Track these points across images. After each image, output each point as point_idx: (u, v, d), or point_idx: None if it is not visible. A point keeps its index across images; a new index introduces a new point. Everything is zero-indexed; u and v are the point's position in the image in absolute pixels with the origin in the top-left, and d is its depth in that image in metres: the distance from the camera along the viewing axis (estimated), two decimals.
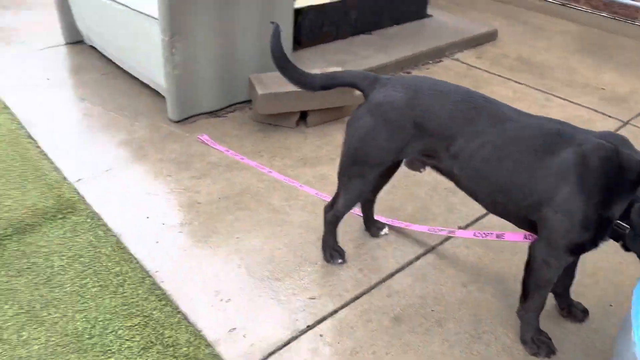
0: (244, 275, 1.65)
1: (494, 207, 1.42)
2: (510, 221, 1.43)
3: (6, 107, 2.39)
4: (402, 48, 3.10)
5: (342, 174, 1.56)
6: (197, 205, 1.92)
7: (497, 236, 1.65)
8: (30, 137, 2.20)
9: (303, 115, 2.41)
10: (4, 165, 2.03)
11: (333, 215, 1.65)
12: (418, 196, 2.06)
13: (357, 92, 1.53)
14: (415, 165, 1.55)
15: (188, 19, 2.16)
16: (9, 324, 1.47)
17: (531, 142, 1.30)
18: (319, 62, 2.81)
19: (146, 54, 2.37)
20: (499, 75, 3.07)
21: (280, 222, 1.87)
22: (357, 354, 1.43)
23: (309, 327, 1.49)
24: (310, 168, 2.16)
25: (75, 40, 2.99)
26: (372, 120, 1.43)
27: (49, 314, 1.49)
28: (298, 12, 2.84)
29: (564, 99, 2.85)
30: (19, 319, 1.48)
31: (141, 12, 2.24)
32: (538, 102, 2.80)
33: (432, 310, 1.57)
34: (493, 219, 1.93)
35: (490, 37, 3.53)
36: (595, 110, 2.75)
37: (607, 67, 3.27)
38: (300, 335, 1.47)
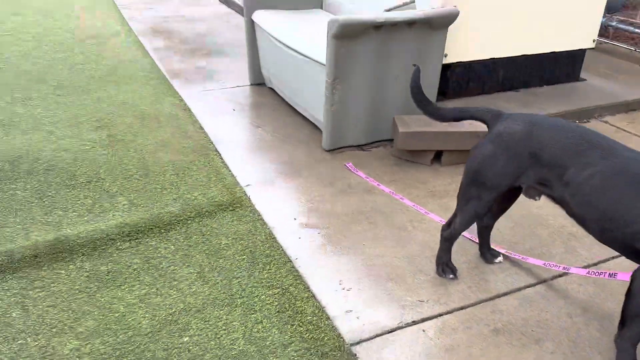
0: (364, 273, 1.93)
1: (602, 234, 1.52)
2: (617, 250, 1.52)
3: (202, 128, 3.03)
4: (547, 105, 3.22)
5: (461, 196, 1.79)
6: (334, 215, 2.27)
7: (610, 275, 1.72)
8: (216, 150, 2.78)
9: (438, 155, 2.68)
10: (196, 168, 2.61)
11: (449, 233, 1.87)
12: (539, 236, 2.17)
13: None
14: (531, 194, 1.72)
15: (349, 66, 2.59)
16: (184, 279, 1.92)
17: (636, 175, 1.42)
18: None
19: (311, 93, 2.86)
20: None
21: (403, 238, 2.13)
22: (454, 351, 1.61)
23: (414, 322, 1.72)
24: (437, 199, 2.40)
25: (258, 82, 3.65)
26: (493, 148, 1.66)
27: (213, 276, 1.93)
28: (447, 67, 3.15)
29: None
30: (191, 276, 1.93)
31: (312, 60, 2.74)
32: None
33: (532, 331, 1.69)
34: (612, 265, 1.98)
35: None
36: None
37: None
38: (405, 326, 1.70)
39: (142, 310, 1.78)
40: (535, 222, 2.25)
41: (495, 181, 1.68)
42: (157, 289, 1.87)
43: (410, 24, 2.62)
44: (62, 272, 1.94)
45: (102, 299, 1.82)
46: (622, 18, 4.84)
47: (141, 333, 1.69)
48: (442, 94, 3.20)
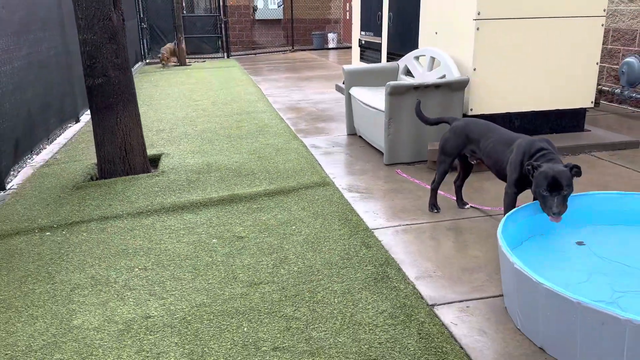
0: (388, 209, 3.54)
1: (497, 173, 3.01)
2: (503, 180, 2.99)
3: (312, 154, 4.90)
4: None
5: (437, 162, 3.37)
6: (380, 189, 3.92)
7: None
8: (319, 163, 4.61)
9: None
10: (306, 170, 4.43)
11: (433, 185, 3.43)
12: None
13: None
14: (471, 159, 3.25)
15: (398, 112, 4.33)
16: (295, 210, 3.65)
17: (506, 141, 2.94)
18: None
19: (378, 131, 4.61)
20: (614, 163, 4.26)
21: (418, 199, 3.70)
22: (423, 232, 3.14)
23: (407, 225, 3.27)
24: (447, 187, 3.94)
25: (352, 132, 5.51)
26: (449, 134, 3.26)
27: (309, 209, 3.64)
28: (473, 117, 4.72)
29: None
30: (298, 209, 3.67)
31: (378, 110, 4.53)
32: (633, 182, 3.93)
33: (470, 230, 3.15)
34: None
35: (631, 145, 4.66)
36: None
37: None
38: (400, 226, 3.26)
39: (272, 219, 3.54)
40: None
41: (451, 151, 3.26)
42: (281, 214, 3.63)
43: (437, 86, 4.32)
44: (235, 207, 3.80)
45: (253, 217, 3.62)
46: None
47: (271, 226, 3.44)
48: None
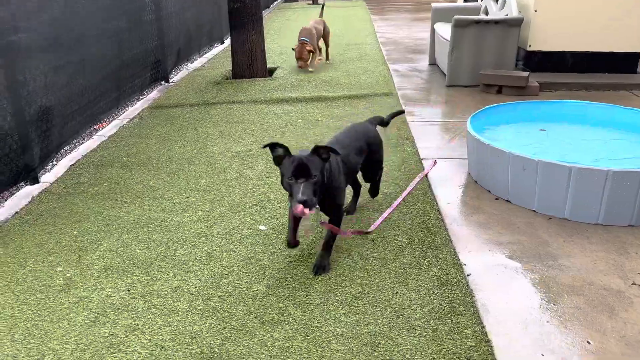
0: (427, 113, 4.71)
1: None
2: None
3: (391, 75, 6.10)
4: (597, 79, 5.29)
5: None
6: (430, 101, 5.06)
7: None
8: (393, 81, 5.81)
9: (500, 89, 5.16)
10: (380, 84, 5.66)
11: None
12: None
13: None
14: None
15: (460, 41, 5.32)
16: (362, 109, 4.96)
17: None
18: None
19: (444, 57, 5.64)
20: None
21: (455, 111, 4.80)
22: (444, 128, 4.29)
23: (434, 121, 4.43)
24: (483, 104, 4.95)
25: (432, 62, 6.57)
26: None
27: (370, 109, 4.93)
28: (532, 53, 5.54)
29: None
30: (356, 108, 4.96)
31: (446, 40, 5.55)
32: None
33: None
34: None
35: None
36: None
37: None
38: (430, 121, 4.43)
39: (342, 112, 4.88)
40: None
41: None
42: (350, 109, 4.94)
43: (496, 22, 5.23)
44: (319, 104, 5.19)
45: (330, 110, 4.98)
46: None
47: (340, 115, 4.78)
48: (530, 68, 5.57)
